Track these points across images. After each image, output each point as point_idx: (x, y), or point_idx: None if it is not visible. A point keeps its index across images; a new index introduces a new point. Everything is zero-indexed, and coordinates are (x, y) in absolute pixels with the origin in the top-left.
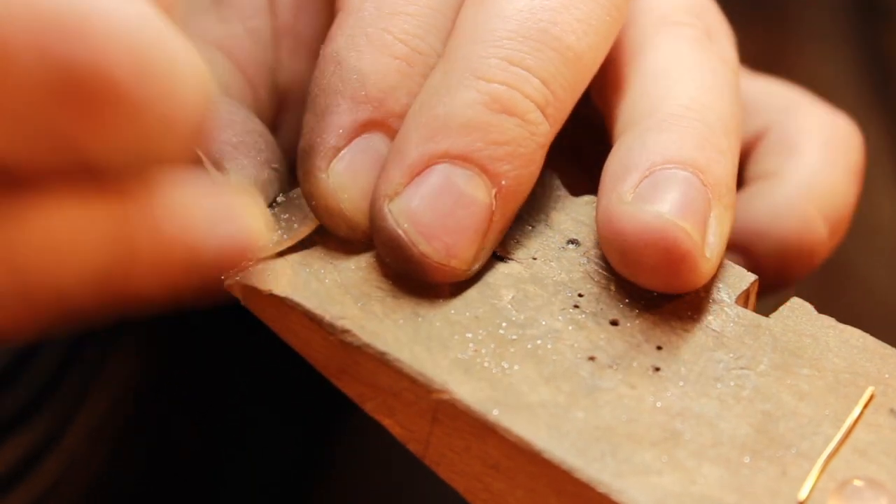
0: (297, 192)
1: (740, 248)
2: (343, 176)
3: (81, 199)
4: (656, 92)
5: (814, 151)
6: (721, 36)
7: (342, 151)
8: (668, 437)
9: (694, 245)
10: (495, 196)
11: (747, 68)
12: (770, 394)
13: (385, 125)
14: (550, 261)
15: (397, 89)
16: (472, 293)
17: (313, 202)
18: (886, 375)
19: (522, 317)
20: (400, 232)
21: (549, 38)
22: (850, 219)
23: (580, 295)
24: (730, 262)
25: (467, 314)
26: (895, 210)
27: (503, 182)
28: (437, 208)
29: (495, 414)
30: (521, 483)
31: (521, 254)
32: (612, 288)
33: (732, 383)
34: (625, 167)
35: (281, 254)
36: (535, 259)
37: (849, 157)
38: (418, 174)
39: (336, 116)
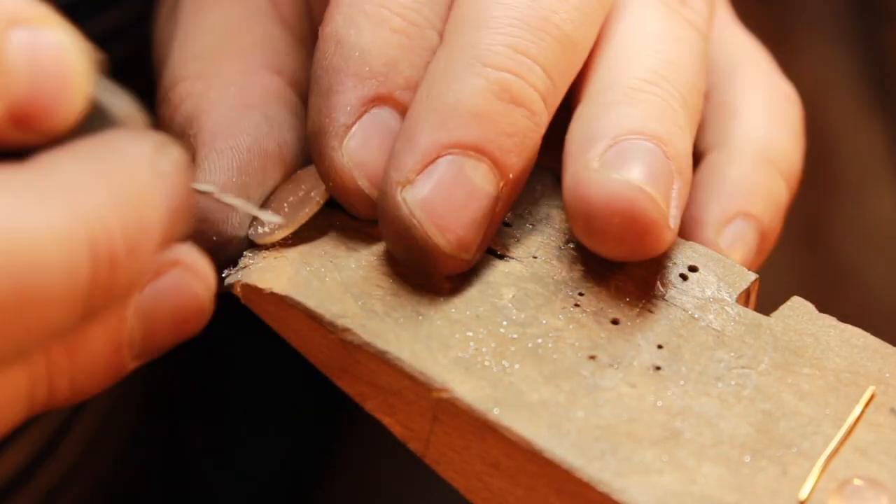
0: (297, 174)
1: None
2: (358, 152)
3: None
4: (617, 64)
5: (754, 116)
6: None
7: (353, 128)
8: (669, 437)
9: (661, 214)
10: (502, 187)
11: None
12: (771, 393)
13: (392, 99)
14: (551, 259)
15: (399, 62)
16: (472, 292)
17: (330, 182)
18: (887, 375)
19: (523, 315)
20: (415, 222)
21: (550, 27)
22: (799, 175)
23: (581, 294)
24: (730, 261)
25: (468, 313)
26: (895, 210)
27: (510, 175)
28: (451, 200)
29: (496, 413)
30: (522, 482)
31: (521, 252)
32: (613, 287)
33: (733, 382)
34: (589, 136)
35: (285, 240)
36: (535, 258)
37: (790, 117)
38: (431, 163)
39: (342, 95)
